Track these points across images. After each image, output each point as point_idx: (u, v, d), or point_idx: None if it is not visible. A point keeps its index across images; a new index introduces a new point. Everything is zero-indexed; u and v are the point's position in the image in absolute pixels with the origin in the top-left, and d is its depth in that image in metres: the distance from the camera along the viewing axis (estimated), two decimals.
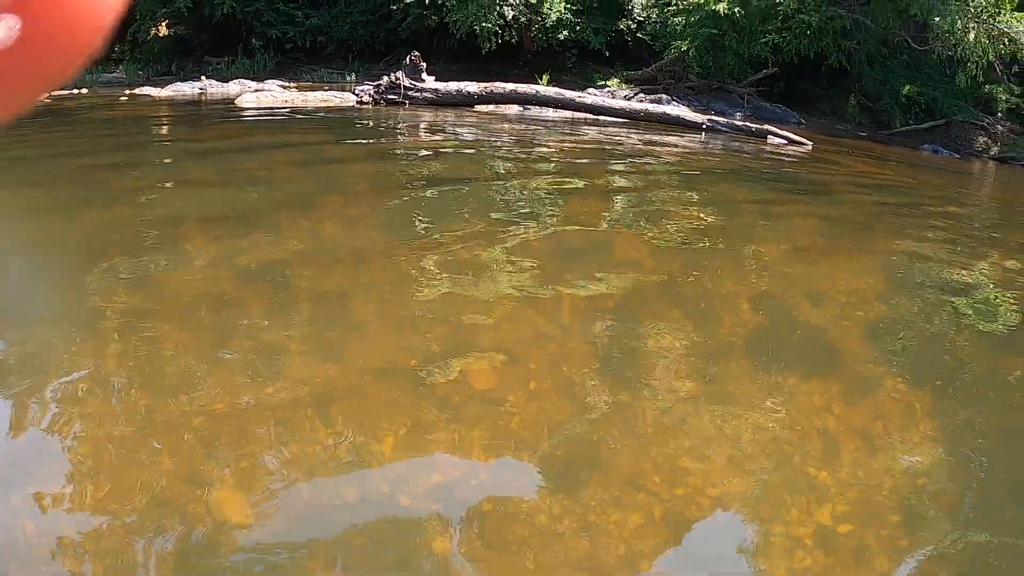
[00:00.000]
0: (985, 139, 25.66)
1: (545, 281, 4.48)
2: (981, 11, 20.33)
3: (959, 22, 19.74)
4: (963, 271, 5.94)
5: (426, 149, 10.06)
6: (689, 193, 8.66)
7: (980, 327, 4.65)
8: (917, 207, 9.72)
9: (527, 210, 6.32)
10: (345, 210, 6.17)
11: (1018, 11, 23.61)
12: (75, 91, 19.44)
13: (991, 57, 21.07)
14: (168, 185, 7.17)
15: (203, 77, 18.66)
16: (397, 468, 2.67)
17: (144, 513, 2.30)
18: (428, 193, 6.89)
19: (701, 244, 5.82)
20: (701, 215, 7.20)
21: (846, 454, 2.97)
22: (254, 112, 14.89)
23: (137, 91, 18.02)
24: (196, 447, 2.65)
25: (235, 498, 2.41)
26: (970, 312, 4.83)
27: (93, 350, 3.32)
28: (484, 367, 3.40)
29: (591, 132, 14.54)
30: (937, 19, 19.62)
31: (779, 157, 14.12)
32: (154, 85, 18.53)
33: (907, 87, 25.80)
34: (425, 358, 3.39)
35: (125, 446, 2.62)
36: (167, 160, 9.12)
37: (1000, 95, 27.19)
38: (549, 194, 7.15)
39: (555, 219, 6.13)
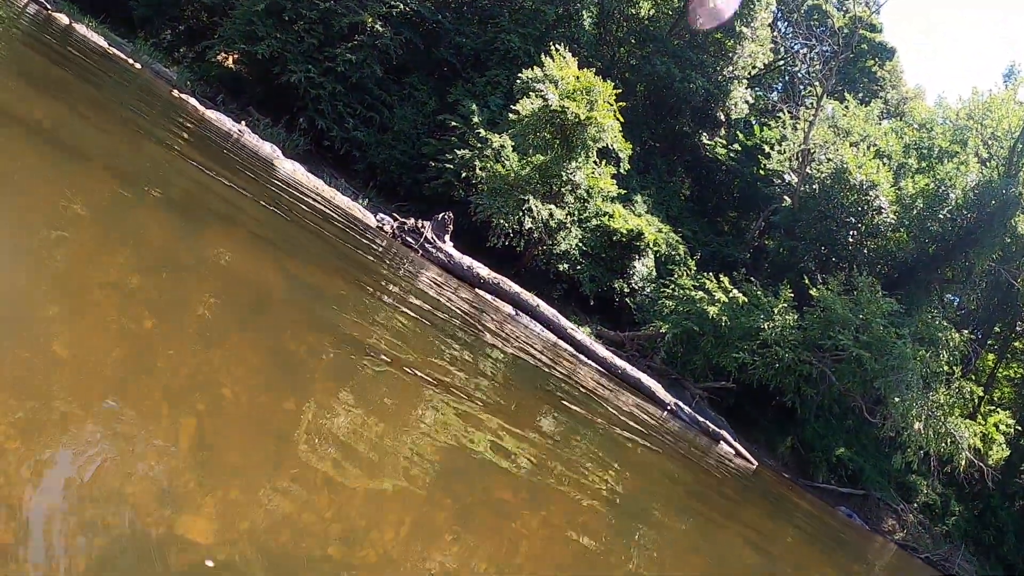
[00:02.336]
0: (894, 522, 25.98)
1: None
2: (936, 407, 21.38)
3: (914, 409, 20.60)
4: None
5: (405, 300, 9.45)
6: (614, 460, 8.11)
7: None
8: None
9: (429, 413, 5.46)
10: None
11: (970, 418, 24.92)
12: (132, 61, 19.59)
13: (931, 451, 21.86)
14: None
15: (243, 123, 18.89)
16: None
17: None
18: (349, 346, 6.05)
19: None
20: (607, 482, 6.57)
21: None
22: (284, 176, 15.25)
23: (185, 96, 18.48)
24: None
25: None
26: None
27: None
28: None
29: (565, 362, 14.26)
30: (896, 399, 20.45)
31: (724, 463, 14.27)
32: (199, 101, 18.92)
33: (842, 450, 26.38)
34: None
35: None
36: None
37: (922, 487, 28.02)
38: (463, 405, 6.34)
39: (450, 430, 5.26)
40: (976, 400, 29.97)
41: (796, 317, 22.11)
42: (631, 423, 11.98)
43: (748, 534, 9.07)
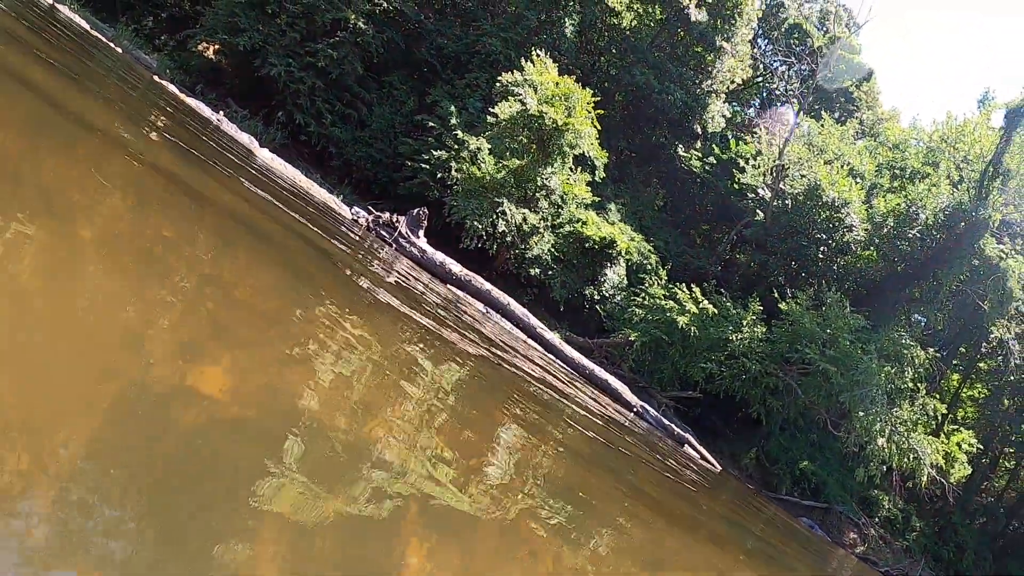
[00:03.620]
0: (855, 536, 26.31)
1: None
2: (900, 423, 21.71)
3: (878, 424, 20.89)
4: None
5: (377, 291, 9.46)
6: (576, 460, 8.20)
7: None
8: None
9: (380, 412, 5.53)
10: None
11: (933, 435, 25.29)
12: (111, 43, 19.43)
13: (894, 466, 22.17)
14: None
15: (220, 113, 18.82)
16: None
17: None
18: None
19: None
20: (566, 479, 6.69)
21: None
22: (262, 165, 15.29)
23: (164, 82, 18.37)
24: None
25: None
26: None
27: None
28: None
29: (533, 361, 14.36)
30: (861, 413, 20.71)
31: (687, 465, 14.45)
32: (178, 89, 18.83)
33: (805, 463, 26.59)
34: None
35: None
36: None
37: (884, 502, 28.41)
38: (429, 402, 6.39)
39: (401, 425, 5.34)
40: (940, 418, 30.46)
41: (764, 330, 22.38)
42: (598, 422, 12.08)
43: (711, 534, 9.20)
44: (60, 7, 20.34)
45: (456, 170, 19.06)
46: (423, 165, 19.30)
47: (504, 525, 4.81)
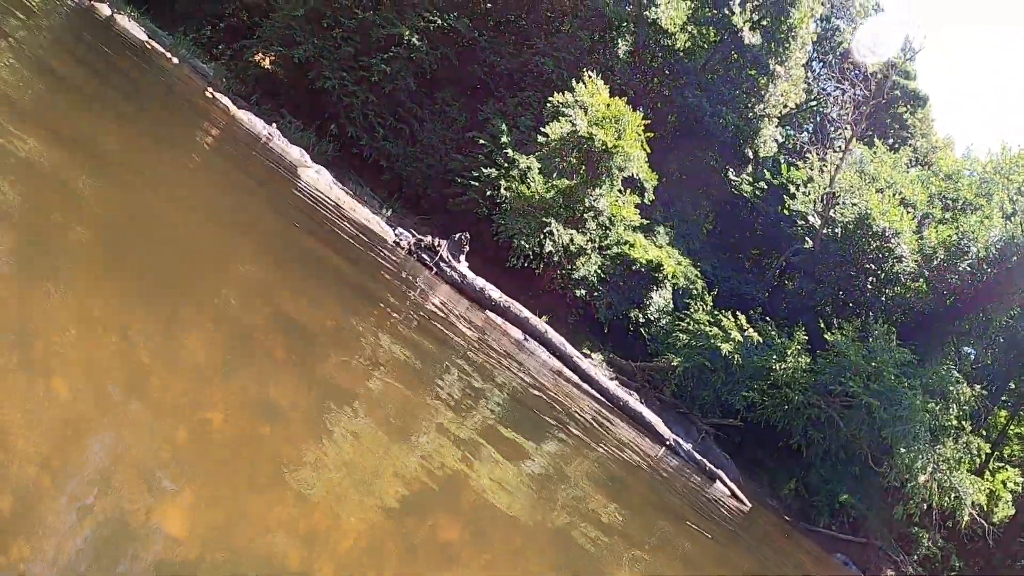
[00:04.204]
0: (893, 573, 25.61)
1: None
2: (942, 461, 21.19)
3: (919, 461, 20.44)
4: None
5: (410, 319, 9.50)
6: (605, 491, 8.11)
7: None
8: None
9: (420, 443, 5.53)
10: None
11: (976, 474, 24.61)
12: (168, 53, 19.91)
13: (934, 504, 21.65)
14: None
15: (274, 125, 19.12)
16: None
17: None
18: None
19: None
20: (601, 513, 6.57)
21: None
22: (304, 187, 15.49)
23: (217, 95, 18.67)
24: None
25: None
26: None
27: None
28: None
29: (566, 390, 14.30)
30: (903, 450, 20.30)
31: (717, 503, 14.16)
32: (234, 100, 19.17)
33: (845, 496, 26.10)
34: None
35: None
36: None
37: (924, 539, 27.69)
38: (460, 431, 6.37)
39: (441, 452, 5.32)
40: (984, 456, 29.61)
41: (809, 360, 22.01)
42: (624, 458, 11.94)
43: None
44: (118, 17, 20.84)
45: (505, 188, 19.09)
46: (473, 182, 19.38)
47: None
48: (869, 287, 25.89)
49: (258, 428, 4.34)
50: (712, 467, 17.92)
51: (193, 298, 5.61)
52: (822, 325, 22.84)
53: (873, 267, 25.98)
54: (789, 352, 22.20)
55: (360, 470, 4.72)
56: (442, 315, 12.71)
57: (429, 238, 17.15)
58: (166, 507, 3.25)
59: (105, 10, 20.73)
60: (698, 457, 18.00)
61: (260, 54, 22.30)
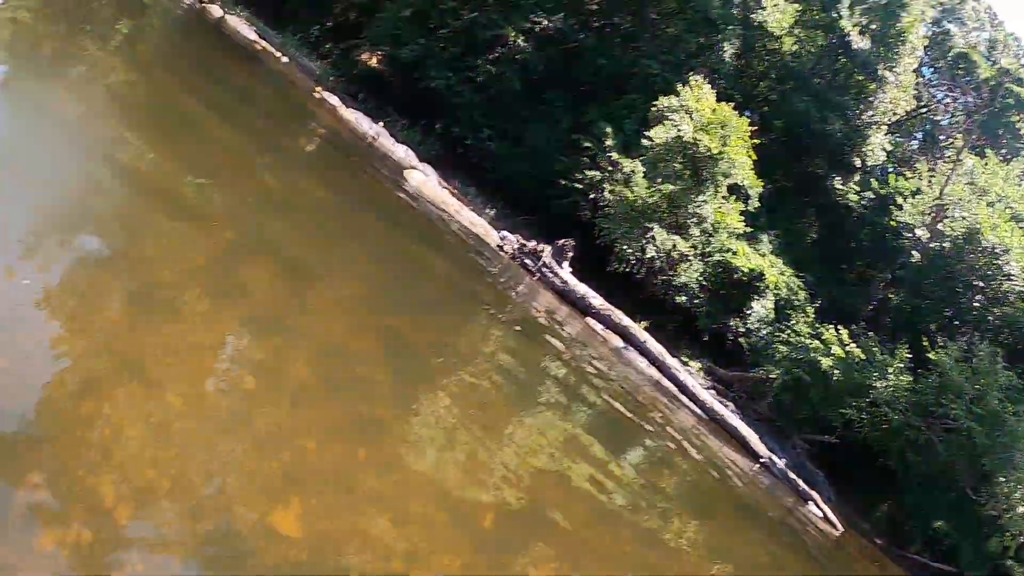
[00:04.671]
0: None
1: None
2: None
3: (1019, 492, 19.55)
4: None
5: (512, 326, 9.62)
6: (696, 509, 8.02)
7: None
8: None
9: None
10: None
11: None
12: (278, 52, 20.52)
13: None
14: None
15: (381, 124, 19.51)
16: None
17: None
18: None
19: None
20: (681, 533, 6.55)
21: None
22: (411, 187, 15.72)
23: (326, 95, 19.15)
24: None
25: None
26: None
27: None
28: None
29: (663, 401, 14.22)
30: (1002, 479, 19.50)
31: (805, 526, 13.94)
32: (342, 100, 19.54)
33: (940, 523, 25.11)
34: None
35: None
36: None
37: (1019, 575, 26.33)
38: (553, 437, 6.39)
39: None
40: None
41: (910, 379, 21.22)
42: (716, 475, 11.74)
43: None
44: (229, 17, 21.56)
45: (609, 192, 19.03)
46: (576, 185, 19.39)
47: None
48: (976, 305, 24.72)
49: (356, 449, 4.47)
50: (806, 488, 17.51)
51: (303, 314, 5.81)
52: (925, 343, 21.99)
53: (981, 284, 24.81)
54: (890, 369, 21.44)
55: (457, 489, 4.82)
56: (544, 322, 12.79)
57: (533, 243, 17.25)
58: (278, 514, 3.38)
59: (216, 11, 21.47)
60: (792, 476, 17.60)
61: (367, 53, 22.81)
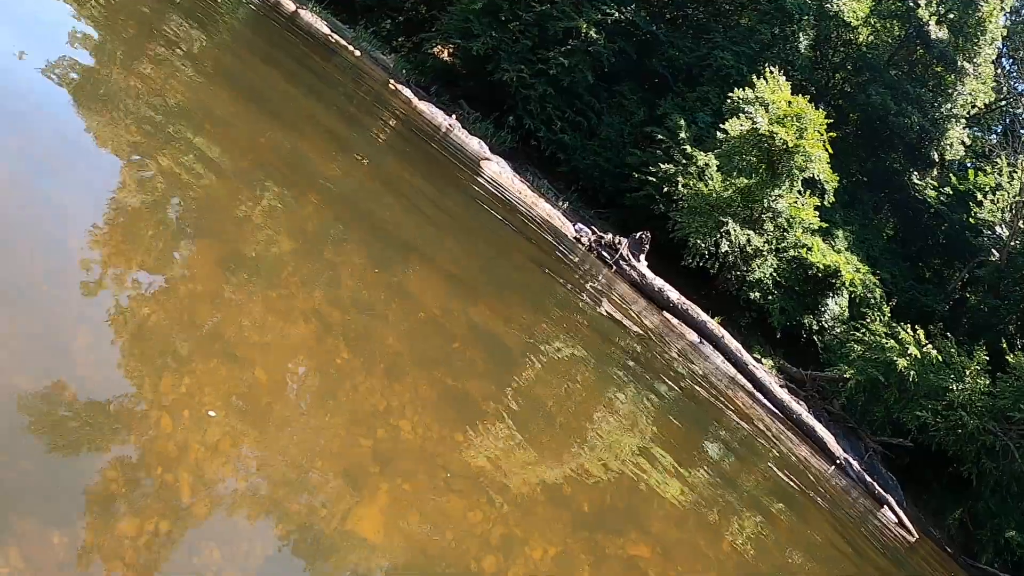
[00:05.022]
0: None
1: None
2: None
3: None
4: None
5: (581, 323, 9.58)
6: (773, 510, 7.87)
7: None
8: None
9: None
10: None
11: None
12: (351, 46, 20.79)
13: None
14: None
15: (454, 116, 19.54)
16: None
17: None
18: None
19: None
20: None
21: None
22: (487, 179, 15.80)
23: (399, 87, 19.22)
24: None
25: None
26: None
27: None
28: None
29: (740, 398, 14.02)
30: None
31: (880, 531, 13.58)
32: (415, 92, 19.62)
33: (1013, 532, 24.36)
34: None
35: None
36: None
37: None
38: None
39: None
40: None
41: (988, 382, 20.56)
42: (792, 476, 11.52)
43: None
44: (302, 11, 21.83)
45: (683, 185, 18.80)
46: (650, 178, 19.20)
47: None
48: None
49: (453, 434, 4.43)
50: (881, 491, 17.11)
51: (396, 298, 5.82)
52: (1004, 345, 21.25)
53: None
54: (968, 372, 20.80)
55: (549, 477, 4.77)
56: (620, 315, 12.72)
57: (609, 235, 17.15)
58: (362, 508, 3.28)
59: (289, 5, 21.77)
60: (868, 479, 17.22)
61: (439, 46, 22.90)
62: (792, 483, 10.95)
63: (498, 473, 4.47)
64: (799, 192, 19.77)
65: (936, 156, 24.46)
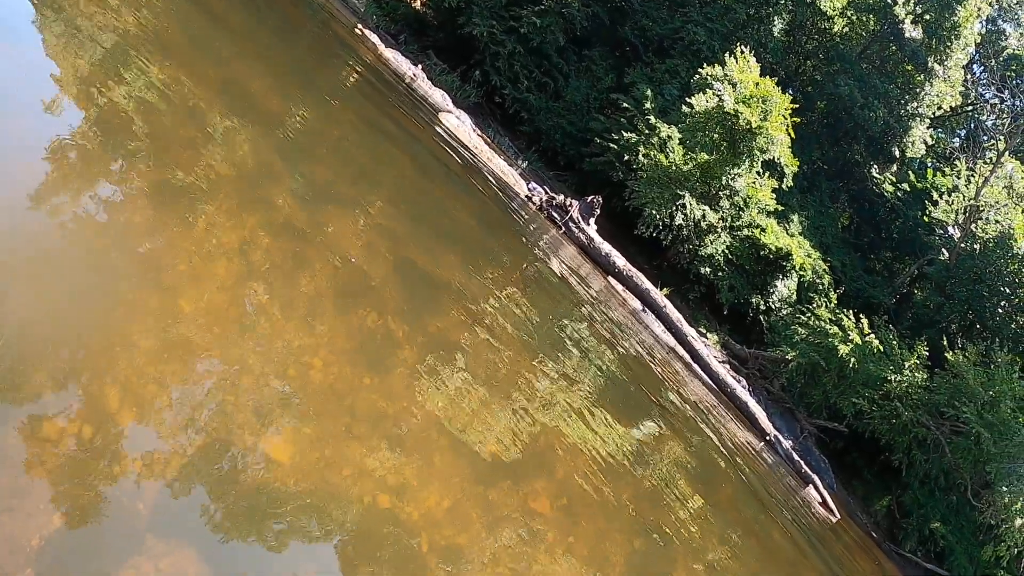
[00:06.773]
0: None
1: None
2: None
3: (1020, 503, 19.42)
4: None
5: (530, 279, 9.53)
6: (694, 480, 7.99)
7: None
8: None
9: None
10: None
11: None
12: None
13: None
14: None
15: (419, 67, 19.21)
16: None
17: None
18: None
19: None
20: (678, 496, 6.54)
21: None
22: (444, 131, 15.71)
23: (366, 32, 18.81)
24: None
25: None
26: None
27: None
28: None
29: (675, 368, 14.11)
30: (1004, 488, 19.39)
31: (804, 509, 13.98)
32: (382, 39, 19.16)
33: (937, 524, 25.11)
34: None
35: None
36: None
37: None
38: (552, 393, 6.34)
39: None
40: None
41: (925, 377, 21.03)
42: (720, 448, 11.63)
43: None
44: None
45: (644, 155, 18.74)
46: (611, 145, 19.10)
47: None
48: (1000, 311, 24.37)
49: (362, 378, 4.37)
50: (808, 471, 17.46)
51: (320, 241, 5.68)
52: (944, 343, 21.74)
53: (1007, 291, 24.43)
54: (907, 365, 21.25)
55: (456, 429, 4.72)
56: (564, 277, 12.66)
57: (561, 197, 17.07)
58: (272, 437, 3.34)
59: None
60: (796, 458, 17.55)
61: None
62: (717, 455, 11.04)
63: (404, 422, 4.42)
64: (758, 173, 19.88)
65: (897, 152, 24.76)
